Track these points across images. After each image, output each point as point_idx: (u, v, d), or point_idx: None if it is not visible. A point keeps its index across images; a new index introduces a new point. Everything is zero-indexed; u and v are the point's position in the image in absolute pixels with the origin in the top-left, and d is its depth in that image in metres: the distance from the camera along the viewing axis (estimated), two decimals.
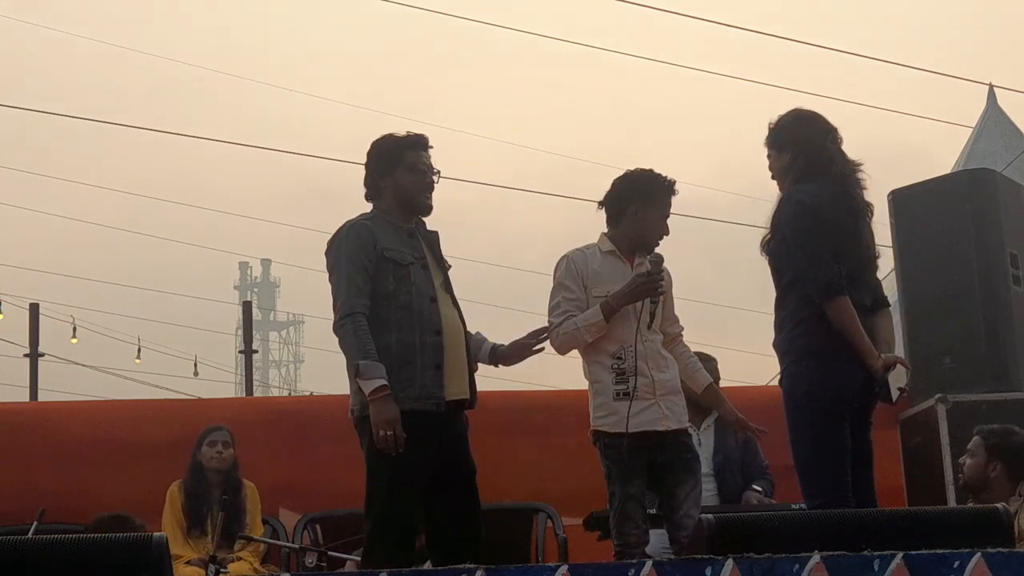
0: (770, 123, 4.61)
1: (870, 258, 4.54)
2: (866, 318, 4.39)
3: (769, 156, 4.62)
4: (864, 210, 4.50)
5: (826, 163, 4.46)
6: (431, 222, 4.62)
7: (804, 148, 4.48)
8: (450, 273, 4.61)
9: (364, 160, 4.60)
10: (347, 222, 4.48)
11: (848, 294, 4.29)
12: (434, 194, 4.57)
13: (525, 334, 4.73)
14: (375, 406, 4.20)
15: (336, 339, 4.39)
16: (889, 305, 4.60)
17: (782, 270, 4.43)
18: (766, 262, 4.53)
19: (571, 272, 4.79)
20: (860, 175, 4.52)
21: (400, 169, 4.50)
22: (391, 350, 4.29)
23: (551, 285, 4.84)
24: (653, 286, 4.67)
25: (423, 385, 4.32)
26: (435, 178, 4.56)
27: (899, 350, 6.99)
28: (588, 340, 4.69)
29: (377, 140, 4.59)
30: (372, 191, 4.56)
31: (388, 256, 4.38)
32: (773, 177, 4.61)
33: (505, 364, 4.71)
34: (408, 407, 4.25)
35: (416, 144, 4.54)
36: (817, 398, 4.28)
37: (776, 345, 4.45)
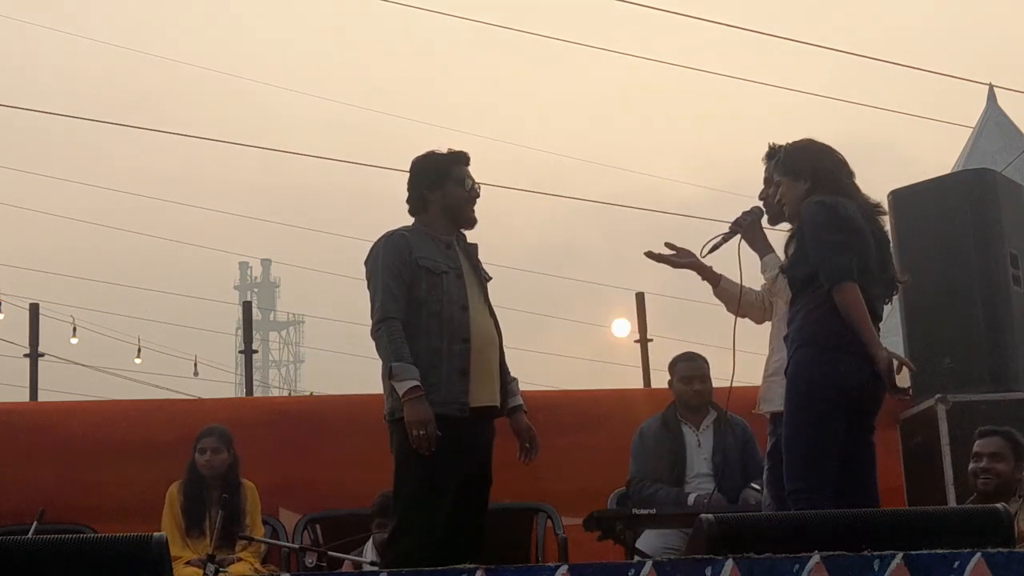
0: (776, 149, 4.60)
1: (890, 282, 4.52)
2: None
3: (779, 184, 4.58)
4: (887, 241, 4.51)
5: (849, 192, 4.46)
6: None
7: (824, 176, 4.47)
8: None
9: (408, 176, 4.73)
10: (385, 233, 4.62)
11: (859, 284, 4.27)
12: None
13: (526, 444, 4.69)
14: (408, 406, 4.29)
15: (372, 343, 4.49)
16: None
17: (796, 270, 4.42)
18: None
19: None
20: (879, 211, 4.52)
21: (449, 183, 4.65)
22: (420, 355, 4.40)
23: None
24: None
25: (448, 390, 4.41)
26: (478, 188, 4.71)
27: (899, 350, 7.00)
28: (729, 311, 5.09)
29: (421, 156, 4.73)
30: (416, 204, 4.69)
31: (422, 264, 4.51)
32: (784, 208, 4.59)
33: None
34: (434, 411, 4.33)
35: (461, 159, 4.71)
36: (818, 386, 4.26)
37: (785, 337, 4.47)
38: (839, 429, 4.26)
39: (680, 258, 5.04)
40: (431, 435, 4.27)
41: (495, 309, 4.72)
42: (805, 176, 4.49)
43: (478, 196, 4.71)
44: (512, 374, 4.76)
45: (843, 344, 4.25)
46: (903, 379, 4.33)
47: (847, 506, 4.03)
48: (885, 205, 6.49)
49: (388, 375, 4.36)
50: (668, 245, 5.05)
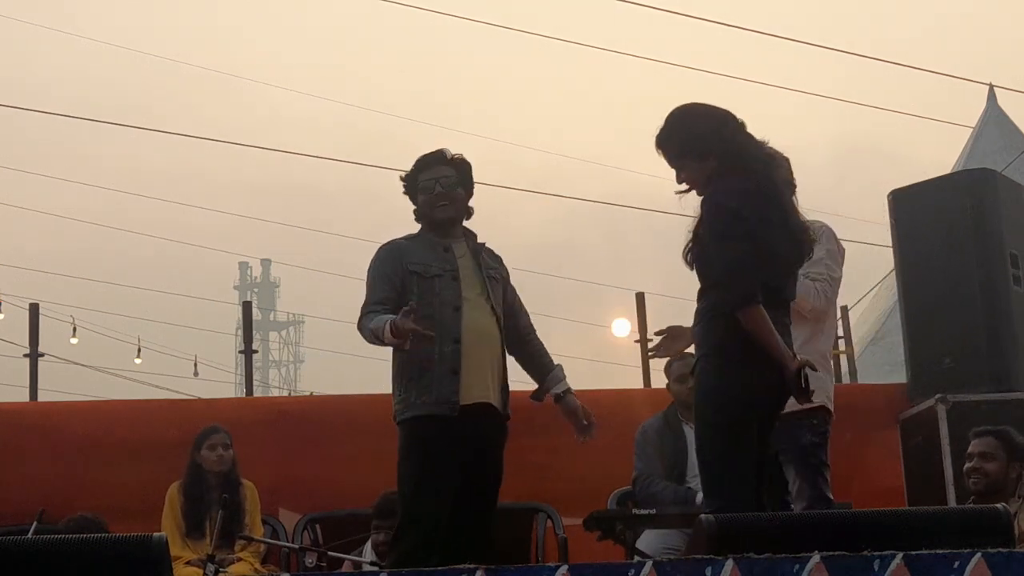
0: (672, 132, 4.30)
1: (803, 242, 4.31)
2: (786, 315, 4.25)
3: (684, 168, 4.29)
4: (786, 193, 4.33)
5: (747, 156, 4.23)
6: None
7: (728, 148, 4.22)
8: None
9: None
10: (386, 242, 4.79)
11: (764, 300, 4.06)
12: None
13: (584, 420, 4.86)
14: (391, 330, 4.35)
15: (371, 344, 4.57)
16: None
17: (703, 272, 4.23)
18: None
19: None
20: (771, 153, 4.35)
21: (416, 193, 4.81)
22: (414, 359, 4.51)
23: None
24: None
25: (439, 391, 4.51)
26: (441, 186, 4.74)
27: (899, 350, 7.01)
28: None
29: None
30: (416, 218, 4.87)
31: (412, 270, 4.65)
32: (690, 187, 4.30)
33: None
34: (426, 412, 4.46)
35: (424, 165, 4.82)
36: (726, 398, 4.08)
37: (693, 335, 4.30)
38: (752, 438, 4.08)
39: (675, 342, 4.78)
40: (405, 325, 4.30)
41: (512, 307, 4.82)
42: (709, 153, 4.23)
43: (443, 191, 4.75)
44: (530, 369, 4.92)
45: (749, 356, 4.06)
46: (814, 379, 4.19)
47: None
48: (886, 204, 6.45)
49: (371, 337, 4.46)
50: (658, 333, 4.82)
